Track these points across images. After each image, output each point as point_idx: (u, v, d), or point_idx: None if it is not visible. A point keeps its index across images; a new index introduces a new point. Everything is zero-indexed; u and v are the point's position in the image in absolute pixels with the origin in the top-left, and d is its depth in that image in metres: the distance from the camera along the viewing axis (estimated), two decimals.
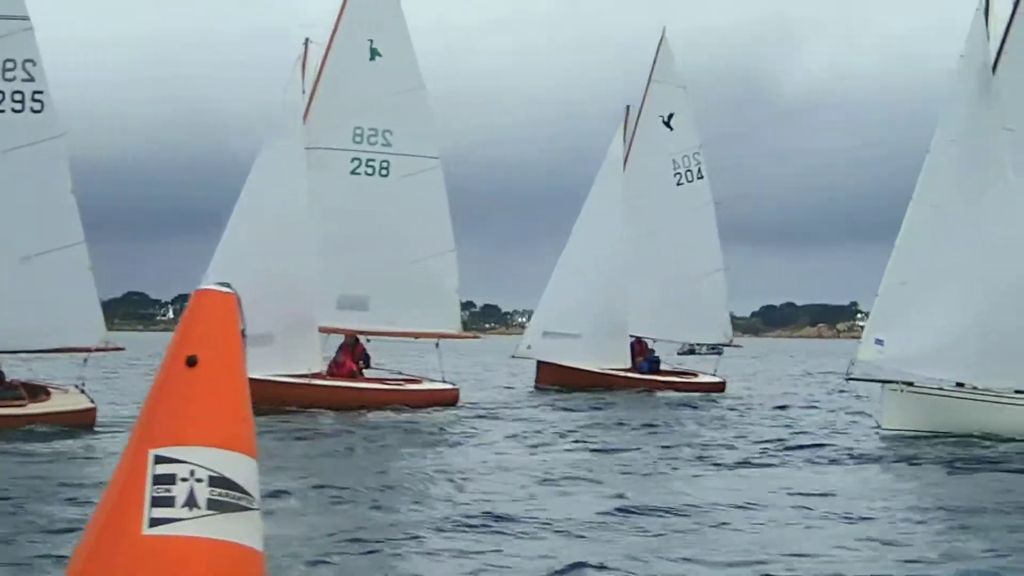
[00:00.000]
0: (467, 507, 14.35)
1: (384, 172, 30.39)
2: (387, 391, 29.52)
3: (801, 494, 16.36)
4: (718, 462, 19.97)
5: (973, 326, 24.54)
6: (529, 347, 38.25)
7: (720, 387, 38.32)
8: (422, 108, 30.62)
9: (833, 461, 20.77)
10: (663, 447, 22.04)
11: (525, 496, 15.48)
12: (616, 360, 37.64)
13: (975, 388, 25.12)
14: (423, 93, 30.61)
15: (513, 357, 40.25)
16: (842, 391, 38.20)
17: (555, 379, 37.16)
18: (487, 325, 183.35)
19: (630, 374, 37.46)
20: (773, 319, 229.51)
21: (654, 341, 38.80)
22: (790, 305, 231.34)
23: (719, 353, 41.16)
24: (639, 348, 38.44)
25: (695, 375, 39.34)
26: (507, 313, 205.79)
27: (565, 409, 30.65)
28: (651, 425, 26.41)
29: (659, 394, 35.62)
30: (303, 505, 14.51)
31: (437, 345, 31.23)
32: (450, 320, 30.88)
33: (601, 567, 11.15)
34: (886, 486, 18.18)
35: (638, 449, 21.63)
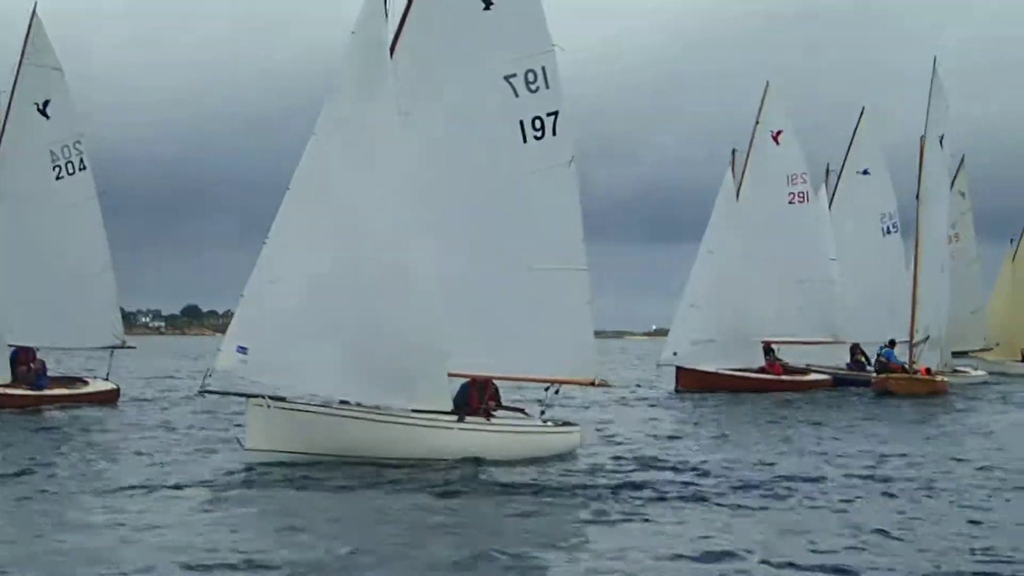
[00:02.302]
0: None
1: None
2: None
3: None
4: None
5: (331, 333, 21.83)
6: None
7: (114, 395, 35.54)
8: None
9: (172, 487, 19.03)
10: None
11: None
12: None
13: (360, 405, 22.29)
14: None
15: None
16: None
17: None
18: None
19: (10, 390, 33.76)
20: None
21: (38, 349, 35.22)
22: None
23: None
24: (23, 357, 34.76)
25: (86, 383, 36.20)
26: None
27: None
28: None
29: (37, 410, 32.27)
30: None
31: None
32: None
33: None
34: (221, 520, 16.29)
35: None
